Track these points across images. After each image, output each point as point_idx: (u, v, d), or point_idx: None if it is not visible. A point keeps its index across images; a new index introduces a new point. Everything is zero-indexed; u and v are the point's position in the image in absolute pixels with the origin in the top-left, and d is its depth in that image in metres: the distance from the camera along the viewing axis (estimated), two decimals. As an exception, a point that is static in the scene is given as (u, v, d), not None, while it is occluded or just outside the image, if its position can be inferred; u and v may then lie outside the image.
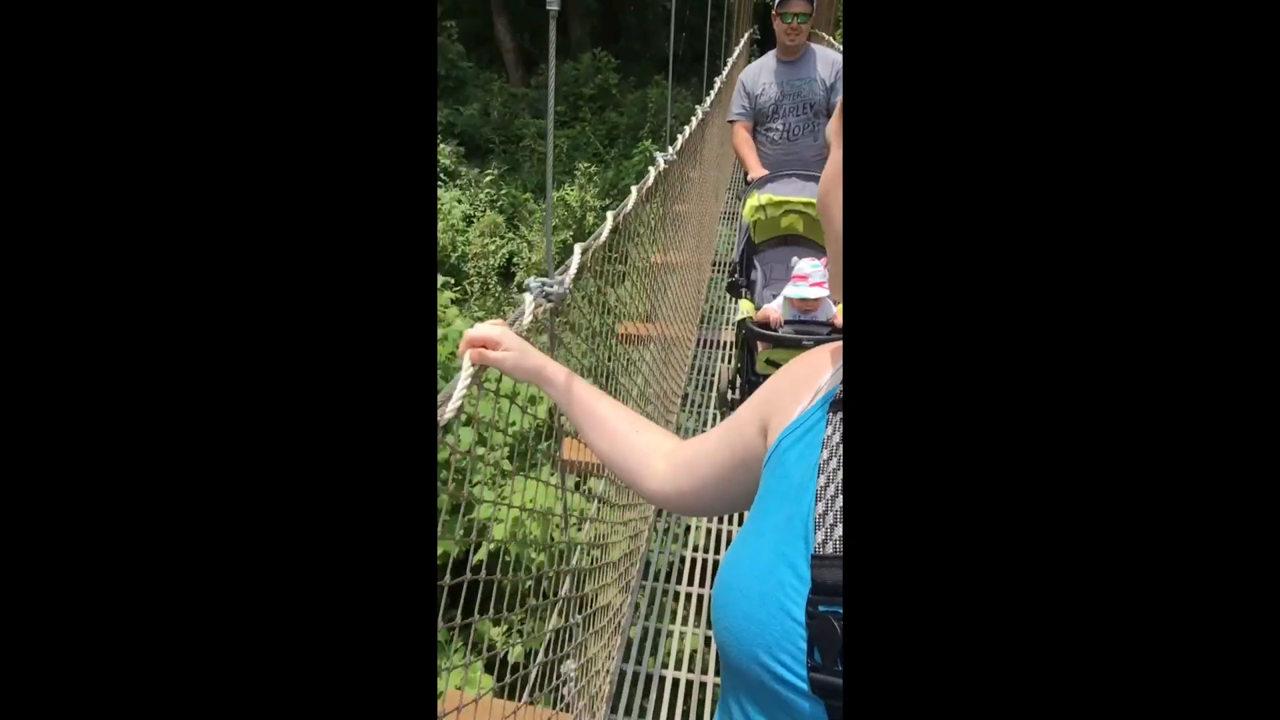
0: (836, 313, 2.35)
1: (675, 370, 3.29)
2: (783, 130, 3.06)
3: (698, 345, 3.92)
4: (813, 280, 2.28)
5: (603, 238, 1.61)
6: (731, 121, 3.18)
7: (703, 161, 4.04)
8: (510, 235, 8.32)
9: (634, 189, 2.04)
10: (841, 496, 0.51)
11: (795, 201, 2.52)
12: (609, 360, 2.04)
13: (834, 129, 0.57)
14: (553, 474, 1.78)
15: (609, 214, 1.75)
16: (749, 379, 2.55)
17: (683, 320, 3.54)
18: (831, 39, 8.80)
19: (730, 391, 2.82)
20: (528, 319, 1.20)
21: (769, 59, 3.10)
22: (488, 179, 9.48)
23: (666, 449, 0.80)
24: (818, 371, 0.63)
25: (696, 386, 3.67)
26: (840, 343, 0.60)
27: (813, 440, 0.56)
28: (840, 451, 0.53)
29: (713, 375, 3.58)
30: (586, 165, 8.86)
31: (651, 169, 2.38)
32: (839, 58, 3.08)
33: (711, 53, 7.44)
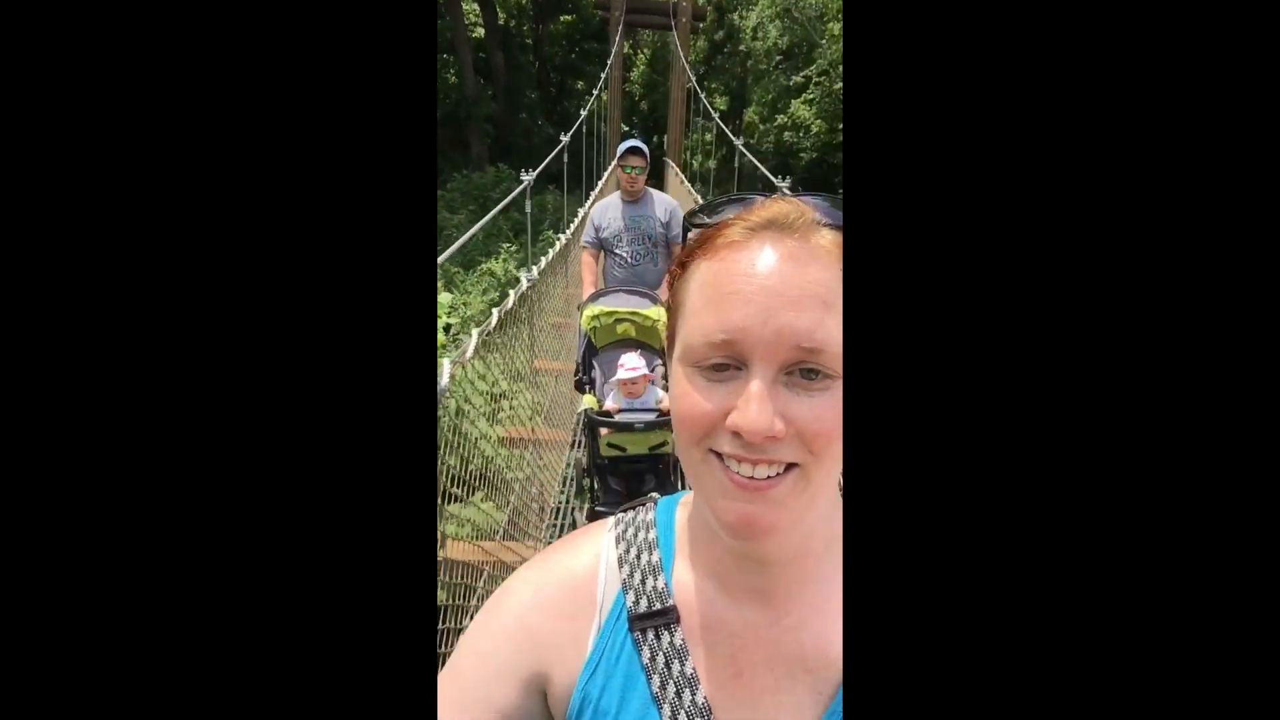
0: (663, 397, 2.77)
1: (551, 472, 3.79)
2: (628, 256, 3.58)
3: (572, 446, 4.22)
4: (627, 366, 2.73)
5: (469, 352, 2.45)
6: (583, 247, 3.75)
7: (569, 276, 4.96)
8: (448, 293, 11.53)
9: (495, 311, 2.85)
10: None
11: (622, 311, 2.96)
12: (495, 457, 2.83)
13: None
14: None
15: (474, 331, 2.48)
16: (595, 461, 2.94)
17: (557, 425, 4.06)
18: (677, 169, 12.17)
19: (586, 477, 3.17)
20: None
21: (615, 198, 3.64)
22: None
23: None
24: (586, 584, 0.54)
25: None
26: (581, 533, 0.58)
27: (628, 671, 0.50)
28: (677, 674, 0.47)
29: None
30: (506, 245, 12.41)
31: (512, 292, 3.10)
32: (673, 201, 3.77)
33: (589, 170, 11.40)
